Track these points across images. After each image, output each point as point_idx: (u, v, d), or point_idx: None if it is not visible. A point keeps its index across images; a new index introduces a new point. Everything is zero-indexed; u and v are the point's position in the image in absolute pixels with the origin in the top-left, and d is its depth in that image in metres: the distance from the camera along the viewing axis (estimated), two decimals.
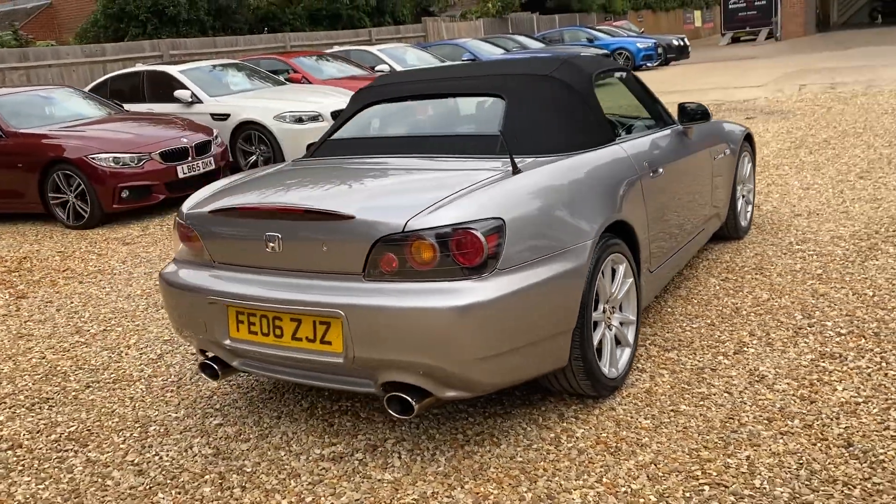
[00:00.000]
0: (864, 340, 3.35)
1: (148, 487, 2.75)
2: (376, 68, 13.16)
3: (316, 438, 2.97)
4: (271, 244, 2.72)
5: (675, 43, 23.89)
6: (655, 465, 2.57)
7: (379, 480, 2.65)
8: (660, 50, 22.73)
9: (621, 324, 3.14)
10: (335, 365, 2.63)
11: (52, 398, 3.57)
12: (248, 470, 2.80)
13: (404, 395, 2.56)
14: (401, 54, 14.34)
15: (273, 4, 21.50)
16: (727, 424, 2.78)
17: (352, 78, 11.71)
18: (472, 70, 3.62)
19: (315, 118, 8.91)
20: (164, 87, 9.65)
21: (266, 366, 2.89)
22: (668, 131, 3.91)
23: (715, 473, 2.49)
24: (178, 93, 9.36)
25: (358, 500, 2.55)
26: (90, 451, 3.04)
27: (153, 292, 5.00)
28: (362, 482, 2.65)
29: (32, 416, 3.40)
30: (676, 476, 2.50)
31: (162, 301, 3.28)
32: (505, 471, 2.62)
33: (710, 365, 3.25)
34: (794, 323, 3.61)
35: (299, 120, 8.83)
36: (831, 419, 2.75)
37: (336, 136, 3.63)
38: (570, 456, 2.67)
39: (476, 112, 3.60)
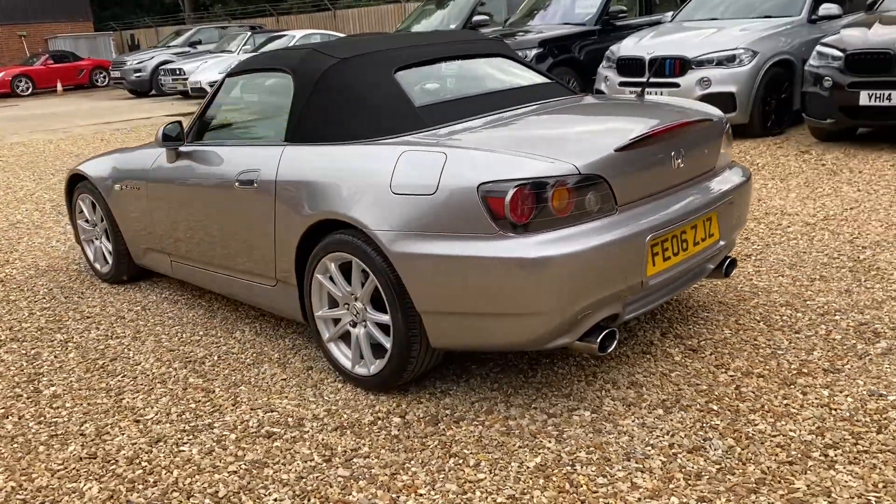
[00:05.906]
0: None
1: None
2: None
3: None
4: (678, 161, 2.81)
5: None
6: None
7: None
8: None
9: None
10: (714, 253, 2.99)
11: None
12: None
13: (734, 257, 3.32)
14: None
15: None
16: None
17: None
18: (453, 37, 3.64)
19: None
20: None
21: (657, 296, 2.80)
22: None
23: None
24: None
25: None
26: None
27: None
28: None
29: None
30: None
31: (559, 281, 2.43)
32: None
33: None
34: None
35: None
36: None
37: (428, 101, 3.14)
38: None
39: (499, 69, 3.64)
